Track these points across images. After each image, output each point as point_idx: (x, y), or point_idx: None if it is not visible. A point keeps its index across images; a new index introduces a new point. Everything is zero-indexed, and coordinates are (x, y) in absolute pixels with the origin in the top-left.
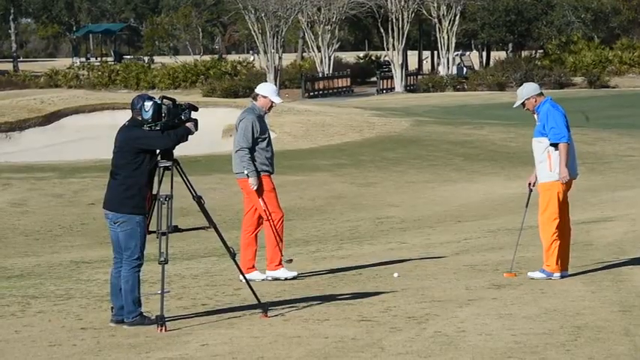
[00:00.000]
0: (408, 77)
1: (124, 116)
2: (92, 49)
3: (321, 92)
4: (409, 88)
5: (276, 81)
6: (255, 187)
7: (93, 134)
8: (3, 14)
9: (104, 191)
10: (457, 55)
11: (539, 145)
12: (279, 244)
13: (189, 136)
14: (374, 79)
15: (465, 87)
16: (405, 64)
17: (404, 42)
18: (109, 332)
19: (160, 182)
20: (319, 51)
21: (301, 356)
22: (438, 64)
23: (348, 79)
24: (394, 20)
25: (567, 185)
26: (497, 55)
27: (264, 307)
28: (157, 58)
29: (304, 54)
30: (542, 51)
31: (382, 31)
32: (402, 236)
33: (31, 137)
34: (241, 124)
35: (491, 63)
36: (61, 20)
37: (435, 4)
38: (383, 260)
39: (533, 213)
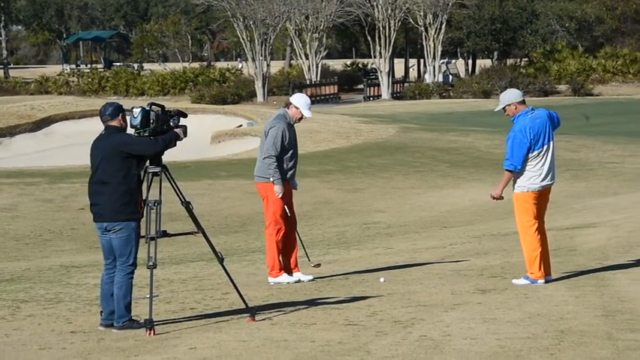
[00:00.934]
0: (395, 85)
1: None
2: (82, 56)
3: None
4: (396, 96)
5: (264, 88)
6: (280, 195)
7: (83, 140)
8: None
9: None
10: (443, 62)
11: None
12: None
13: (178, 142)
14: (361, 86)
15: (451, 94)
16: (391, 71)
17: (391, 50)
18: (98, 336)
19: (148, 188)
20: (307, 58)
21: None
22: (425, 72)
23: (336, 87)
24: (381, 28)
25: (541, 194)
26: (483, 63)
27: (252, 311)
28: (146, 65)
29: (292, 61)
30: (527, 59)
31: (369, 39)
32: (389, 241)
33: (22, 143)
34: (271, 131)
35: (477, 71)
36: (52, 27)
37: (422, 13)
38: (369, 265)
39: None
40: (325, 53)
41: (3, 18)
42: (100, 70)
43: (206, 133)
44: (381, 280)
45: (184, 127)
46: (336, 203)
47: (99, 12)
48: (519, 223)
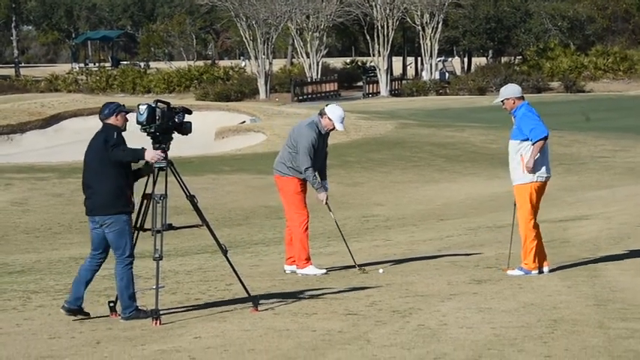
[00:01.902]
0: (393, 82)
1: None
2: (90, 55)
3: (309, 96)
4: (394, 93)
5: (266, 85)
6: (325, 202)
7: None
8: (5, 22)
9: None
10: (440, 60)
11: (514, 148)
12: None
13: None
14: (360, 83)
15: (447, 91)
16: (390, 69)
17: (389, 48)
18: (106, 325)
19: (154, 182)
20: (308, 57)
21: (290, 348)
22: (422, 70)
23: (336, 84)
24: (379, 28)
25: (541, 186)
26: (478, 61)
27: (255, 301)
28: (152, 64)
29: (293, 60)
30: (520, 57)
31: (368, 38)
32: (387, 234)
33: (32, 139)
34: (303, 141)
35: (472, 68)
36: (61, 27)
37: (419, 13)
38: (369, 257)
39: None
40: (326, 52)
41: (14, 18)
42: (107, 68)
43: (210, 129)
44: (380, 271)
45: (189, 124)
46: (336, 197)
47: (107, 12)
48: (521, 215)
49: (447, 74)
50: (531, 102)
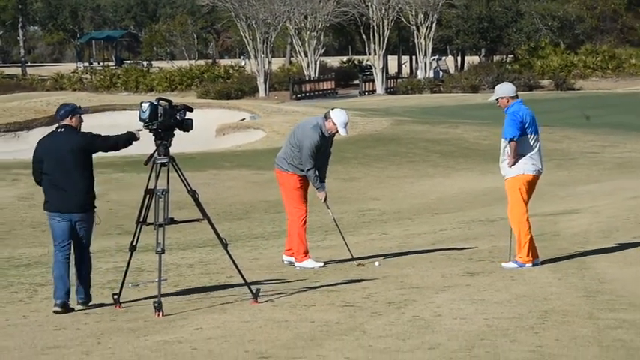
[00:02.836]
0: (389, 80)
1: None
2: (95, 55)
3: (307, 94)
4: (389, 90)
5: (265, 84)
6: (324, 200)
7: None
8: (12, 22)
9: (106, 186)
10: (434, 59)
11: (504, 144)
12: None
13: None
14: (357, 81)
15: (441, 89)
16: (385, 67)
17: (384, 47)
18: (110, 317)
19: (157, 178)
20: (306, 56)
21: (289, 339)
22: (416, 68)
23: (333, 82)
24: (375, 27)
25: (531, 180)
26: (471, 59)
27: (255, 293)
28: (155, 63)
29: (292, 58)
30: (512, 56)
31: (364, 37)
32: (383, 227)
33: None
34: (306, 143)
35: (466, 67)
36: (66, 28)
37: (414, 13)
38: (365, 250)
39: (506, 205)
40: (323, 51)
41: (21, 19)
42: (111, 67)
43: (211, 126)
44: (376, 263)
45: (190, 121)
46: (333, 192)
47: (110, 13)
48: (514, 210)
49: (440, 72)
50: (523, 99)
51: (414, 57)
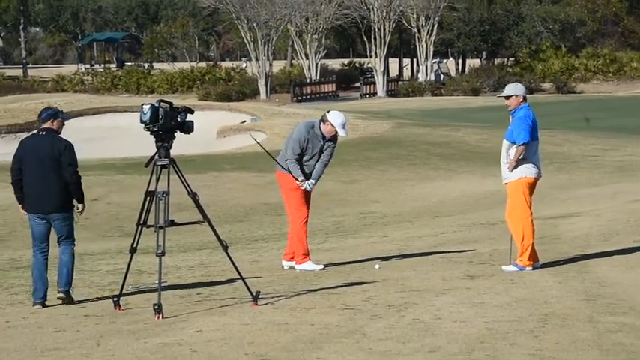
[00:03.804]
0: (390, 83)
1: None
2: (96, 56)
3: (308, 96)
4: (390, 93)
5: (266, 86)
6: (304, 187)
7: (96, 135)
8: (14, 24)
9: (106, 188)
10: (435, 62)
11: (506, 148)
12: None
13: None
14: (358, 84)
15: (442, 92)
16: (386, 70)
17: (385, 50)
18: (110, 319)
19: (157, 180)
20: (307, 58)
21: (289, 342)
22: (418, 71)
23: (334, 85)
24: (376, 30)
25: (531, 183)
26: (472, 62)
27: (255, 296)
28: (156, 65)
29: (293, 61)
30: (513, 59)
31: (365, 40)
32: (384, 230)
33: None
34: (293, 135)
35: (467, 70)
36: (68, 29)
37: (415, 15)
38: (365, 253)
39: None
40: (324, 53)
41: (22, 21)
42: (112, 69)
43: (212, 128)
44: (377, 266)
45: (191, 123)
46: (334, 194)
47: (112, 15)
48: (516, 213)
49: (442, 75)
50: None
51: (415, 60)
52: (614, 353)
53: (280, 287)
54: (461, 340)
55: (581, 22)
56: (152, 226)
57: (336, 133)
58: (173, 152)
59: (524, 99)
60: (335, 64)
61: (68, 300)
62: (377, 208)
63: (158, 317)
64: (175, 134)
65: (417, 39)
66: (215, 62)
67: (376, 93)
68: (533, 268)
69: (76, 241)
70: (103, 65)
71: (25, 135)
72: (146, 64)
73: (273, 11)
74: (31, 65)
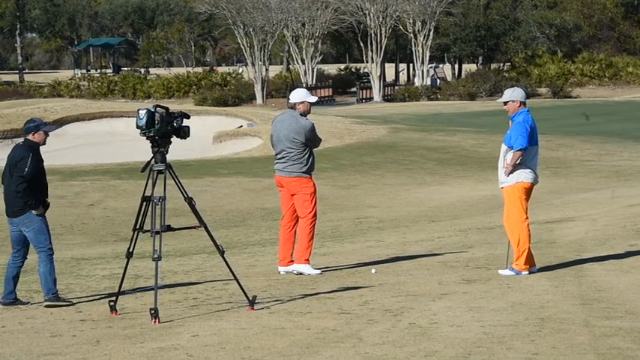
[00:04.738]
0: (386, 88)
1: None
2: (92, 62)
3: None
4: (387, 98)
5: (263, 91)
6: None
7: (92, 140)
8: (10, 29)
9: (103, 193)
10: (431, 67)
11: (504, 152)
12: (310, 241)
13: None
14: (354, 89)
15: (439, 97)
16: (382, 75)
17: (382, 55)
18: (107, 324)
19: (153, 185)
20: (303, 63)
21: (285, 346)
22: (414, 76)
23: (330, 90)
24: (373, 35)
25: (528, 188)
26: (468, 67)
27: (251, 300)
28: (152, 70)
29: (289, 66)
30: (509, 64)
31: (362, 45)
32: (380, 235)
33: None
34: (310, 126)
35: (463, 75)
36: (64, 35)
37: (411, 20)
38: (362, 257)
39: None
40: (320, 58)
41: (18, 26)
42: (109, 74)
43: (208, 133)
44: (373, 271)
45: (187, 128)
46: (330, 199)
47: (108, 20)
48: (512, 218)
49: (438, 80)
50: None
51: (411, 65)
52: (611, 357)
53: (277, 292)
54: (457, 344)
55: (577, 27)
56: (148, 231)
57: (309, 104)
58: (169, 157)
59: (523, 104)
60: (331, 69)
61: (55, 303)
62: (373, 212)
63: (154, 322)
64: (172, 139)
65: (413, 44)
66: (211, 67)
67: (372, 98)
68: (530, 273)
69: (52, 250)
70: (99, 70)
71: (21, 140)
72: (142, 70)
73: (270, 16)
74: (27, 71)
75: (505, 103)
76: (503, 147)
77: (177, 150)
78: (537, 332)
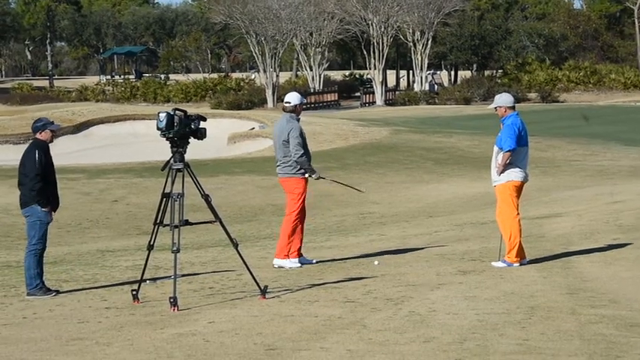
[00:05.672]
0: (388, 92)
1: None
2: (116, 68)
3: (312, 105)
4: (388, 102)
5: (273, 95)
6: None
7: (117, 141)
8: (41, 38)
9: (126, 190)
10: (429, 73)
11: (495, 153)
12: (290, 237)
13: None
14: (358, 94)
15: (436, 101)
16: (384, 81)
17: (384, 62)
18: (129, 311)
19: (172, 182)
20: (311, 70)
21: (294, 332)
22: (413, 82)
23: (336, 94)
24: (375, 44)
25: (518, 186)
26: (464, 74)
27: (263, 290)
28: (172, 76)
29: (298, 72)
30: (501, 71)
31: (365, 53)
32: (382, 229)
33: (64, 144)
34: (292, 132)
35: (459, 81)
36: (90, 43)
37: (411, 30)
38: (365, 250)
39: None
40: (327, 65)
41: (49, 36)
42: (131, 80)
43: (223, 134)
44: (375, 262)
45: (204, 130)
46: (336, 196)
47: (131, 30)
48: (504, 214)
49: (435, 86)
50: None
51: (411, 71)
52: (595, 343)
53: (286, 282)
54: (454, 331)
55: (564, 37)
56: (168, 225)
57: (299, 105)
58: (187, 157)
59: (512, 108)
60: (337, 75)
61: (36, 296)
62: (376, 208)
63: (174, 310)
64: (189, 140)
65: (412, 52)
66: (226, 74)
67: (375, 102)
68: (521, 265)
69: (36, 245)
70: (122, 76)
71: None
72: (162, 76)
73: (280, 26)
74: (56, 77)
75: (495, 108)
76: (496, 148)
77: (195, 150)
78: (527, 320)
